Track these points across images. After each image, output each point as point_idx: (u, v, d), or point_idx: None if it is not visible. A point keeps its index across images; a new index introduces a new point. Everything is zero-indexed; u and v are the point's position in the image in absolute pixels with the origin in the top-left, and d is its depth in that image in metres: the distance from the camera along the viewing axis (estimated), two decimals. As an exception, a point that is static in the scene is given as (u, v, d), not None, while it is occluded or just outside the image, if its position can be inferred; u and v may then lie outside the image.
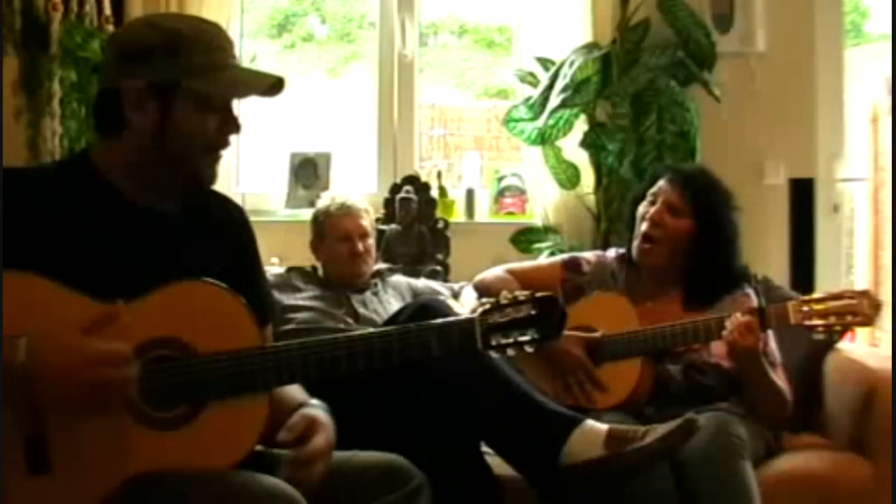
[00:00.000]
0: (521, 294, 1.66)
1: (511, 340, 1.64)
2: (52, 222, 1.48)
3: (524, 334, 1.64)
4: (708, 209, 2.40)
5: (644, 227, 2.42)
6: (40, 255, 1.45)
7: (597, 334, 2.37)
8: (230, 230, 1.70)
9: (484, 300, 1.68)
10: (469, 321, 1.65)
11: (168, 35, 1.52)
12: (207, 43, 1.54)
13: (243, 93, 1.60)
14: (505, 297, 1.66)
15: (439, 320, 1.65)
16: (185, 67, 1.51)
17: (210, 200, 1.69)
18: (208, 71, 1.52)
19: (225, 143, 1.59)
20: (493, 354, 1.71)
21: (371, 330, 1.70)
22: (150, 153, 1.53)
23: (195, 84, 1.52)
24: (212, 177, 1.60)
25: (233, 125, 1.58)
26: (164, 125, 1.52)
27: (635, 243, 2.45)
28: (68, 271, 1.44)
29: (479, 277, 2.64)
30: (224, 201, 1.73)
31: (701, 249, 2.40)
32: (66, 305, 1.43)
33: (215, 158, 1.59)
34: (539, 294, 1.67)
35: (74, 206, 1.51)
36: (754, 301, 2.41)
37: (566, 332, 2.30)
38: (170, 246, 1.57)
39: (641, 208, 2.46)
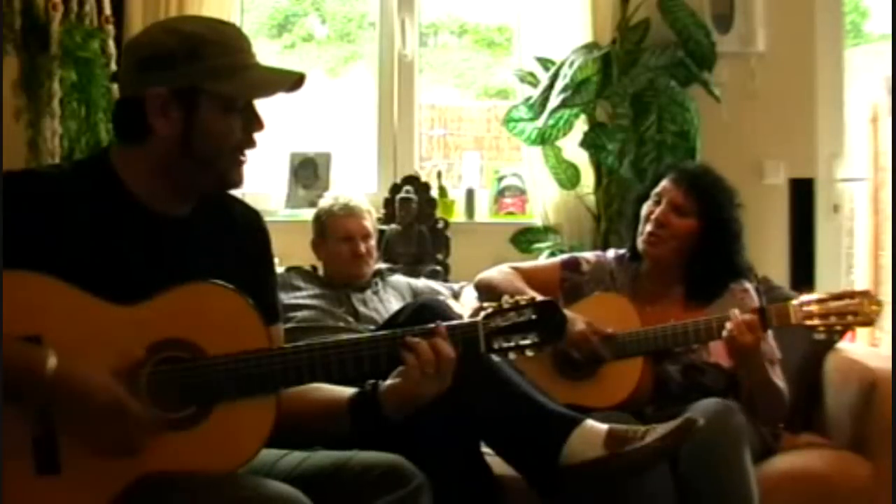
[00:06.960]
0: (522, 298, 1.67)
1: (513, 344, 1.64)
2: (67, 224, 1.48)
3: (525, 338, 1.64)
4: (713, 209, 2.40)
5: (649, 227, 2.42)
6: (53, 255, 1.46)
7: (608, 329, 2.37)
8: (243, 234, 1.69)
9: (486, 304, 1.68)
10: (473, 325, 1.65)
11: (188, 39, 1.51)
12: (228, 44, 1.53)
13: (268, 92, 1.58)
14: (507, 301, 1.66)
15: (444, 324, 1.64)
16: (208, 71, 1.50)
17: (225, 204, 1.68)
18: (231, 73, 1.51)
19: (251, 143, 1.58)
20: (495, 358, 1.70)
21: (376, 332, 1.71)
22: (177, 159, 1.53)
23: (219, 87, 1.51)
24: (239, 179, 1.59)
25: (257, 123, 1.57)
26: (190, 130, 1.51)
27: (640, 238, 2.45)
28: (80, 273, 1.45)
29: (481, 276, 2.62)
30: (239, 205, 1.72)
31: (706, 248, 2.40)
32: (78, 307, 1.45)
33: (241, 161, 1.58)
34: (539, 299, 1.68)
35: (89, 208, 1.51)
36: (753, 296, 2.41)
37: (581, 327, 2.33)
38: (182, 250, 1.57)
39: (646, 207, 2.46)
